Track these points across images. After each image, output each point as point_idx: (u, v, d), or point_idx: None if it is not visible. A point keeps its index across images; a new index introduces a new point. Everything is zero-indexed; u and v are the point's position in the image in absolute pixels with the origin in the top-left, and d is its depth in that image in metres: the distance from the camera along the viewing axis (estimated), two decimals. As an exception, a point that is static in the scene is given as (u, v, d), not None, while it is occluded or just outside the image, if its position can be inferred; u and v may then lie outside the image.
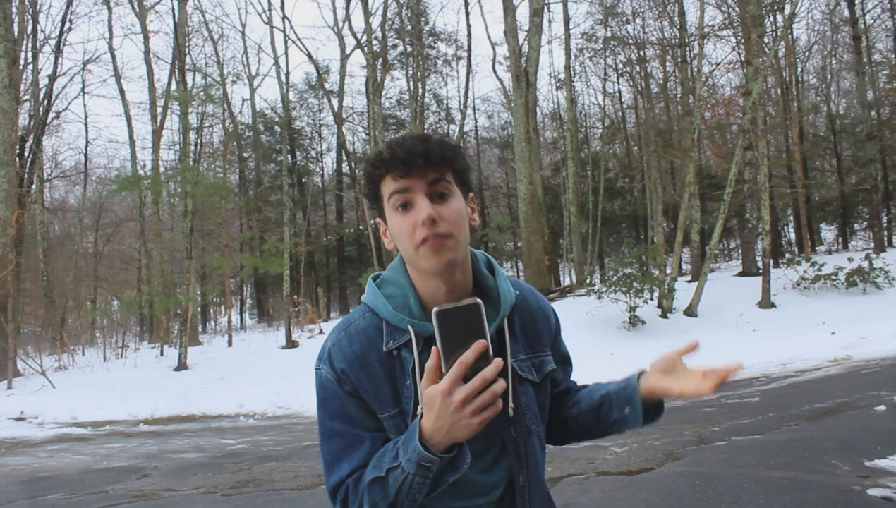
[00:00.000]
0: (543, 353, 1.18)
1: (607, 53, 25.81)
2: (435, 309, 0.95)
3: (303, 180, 29.77)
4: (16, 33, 15.89)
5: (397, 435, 1.07)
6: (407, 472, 0.98)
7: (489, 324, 1.02)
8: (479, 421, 0.95)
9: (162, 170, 21.26)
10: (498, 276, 1.16)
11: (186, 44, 20.72)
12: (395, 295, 1.11)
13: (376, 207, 1.12)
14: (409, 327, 1.07)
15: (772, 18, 19.79)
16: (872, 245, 20.09)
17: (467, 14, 37.09)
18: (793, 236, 28.32)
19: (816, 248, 24.09)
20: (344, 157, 28.52)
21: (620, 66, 25.88)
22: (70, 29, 20.85)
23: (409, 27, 25.49)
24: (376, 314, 1.11)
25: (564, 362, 1.28)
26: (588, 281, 16.41)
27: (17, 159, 15.57)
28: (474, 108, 32.09)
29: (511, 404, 1.08)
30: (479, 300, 0.97)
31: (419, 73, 25.66)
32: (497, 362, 0.95)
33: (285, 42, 32.63)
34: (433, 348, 0.97)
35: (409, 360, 1.07)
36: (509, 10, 16.88)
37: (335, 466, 1.08)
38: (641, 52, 23.12)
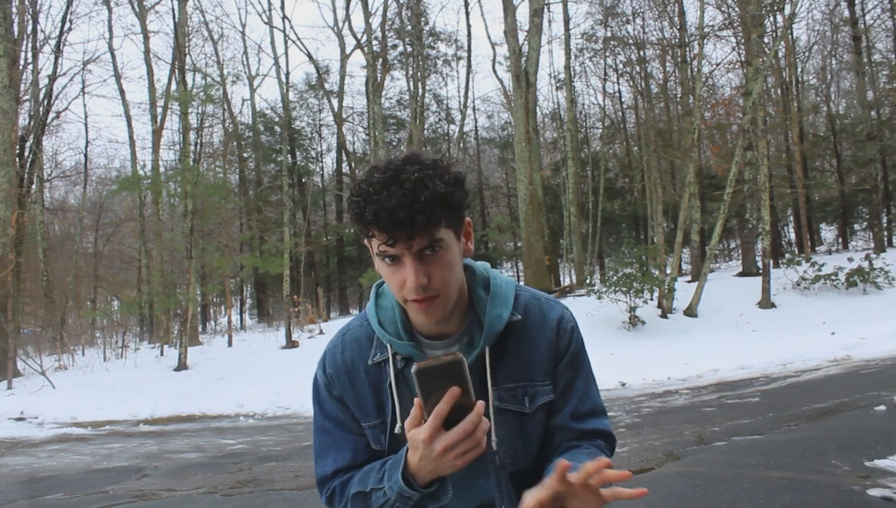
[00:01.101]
0: (540, 383, 1.10)
1: (607, 53, 25.82)
2: (413, 367, 0.91)
3: (303, 180, 29.76)
4: (16, 33, 15.88)
5: (376, 445, 1.10)
6: (388, 497, 1.00)
7: (473, 349, 1.06)
8: (462, 463, 0.93)
9: (162, 170, 21.28)
10: (492, 299, 1.09)
11: (186, 44, 20.72)
12: (386, 308, 1.11)
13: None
14: (389, 345, 1.08)
15: (772, 18, 19.79)
16: (872, 245, 20.07)
17: (467, 14, 37.16)
18: (793, 236, 28.31)
19: (816, 248, 24.08)
20: (344, 157, 28.53)
21: (620, 66, 25.89)
22: (70, 29, 20.84)
23: (409, 27, 25.49)
24: (370, 324, 1.13)
25: (569, 390, 1.14)
26: (588, 281, 16.43)
27: (17, 159, 15.56)
28: (474, 108, 32.12)
29: (494, 437, 1.07)
30: (460, 356, 0.91)
31: (419, 73, 25.65)
32: (479, 407, 0.92)
33: (285, 42, 32.75)
34: (415, 399, 0.93)
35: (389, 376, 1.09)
36: (509, 10, 16.88)
37: (321, 459, 1.14)
38: (641, 52, 23.13)
